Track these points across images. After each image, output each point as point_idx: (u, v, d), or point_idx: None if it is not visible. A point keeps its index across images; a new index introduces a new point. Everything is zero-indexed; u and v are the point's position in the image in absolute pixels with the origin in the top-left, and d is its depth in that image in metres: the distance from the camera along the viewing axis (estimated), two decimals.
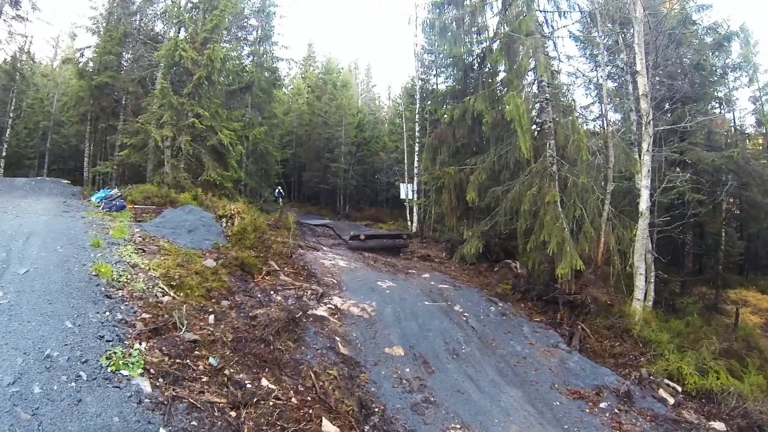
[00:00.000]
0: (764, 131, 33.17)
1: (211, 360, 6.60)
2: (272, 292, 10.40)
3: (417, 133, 26.53)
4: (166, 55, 18.83)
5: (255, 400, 6.03)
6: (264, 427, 5.57)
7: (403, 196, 27.62)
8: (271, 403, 6.18)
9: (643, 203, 13.22)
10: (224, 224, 13.59)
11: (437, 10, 18.55)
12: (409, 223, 26.85)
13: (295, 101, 45.06)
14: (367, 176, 41.60)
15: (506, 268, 16.11)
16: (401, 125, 32.26)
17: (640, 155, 14.30)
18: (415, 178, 26.59)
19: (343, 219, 33.27)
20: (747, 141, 30.88)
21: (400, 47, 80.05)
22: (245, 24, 29.48)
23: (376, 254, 17.15)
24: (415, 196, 26.51)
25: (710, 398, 10.16)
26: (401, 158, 31.06)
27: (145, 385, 5.44)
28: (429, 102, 26.52)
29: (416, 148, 26.44)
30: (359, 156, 40.92)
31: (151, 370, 5.78)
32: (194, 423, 5.12)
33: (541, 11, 16.08)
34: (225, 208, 14.54)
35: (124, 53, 24.36)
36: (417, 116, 27.06)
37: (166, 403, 5.25)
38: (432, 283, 14.51)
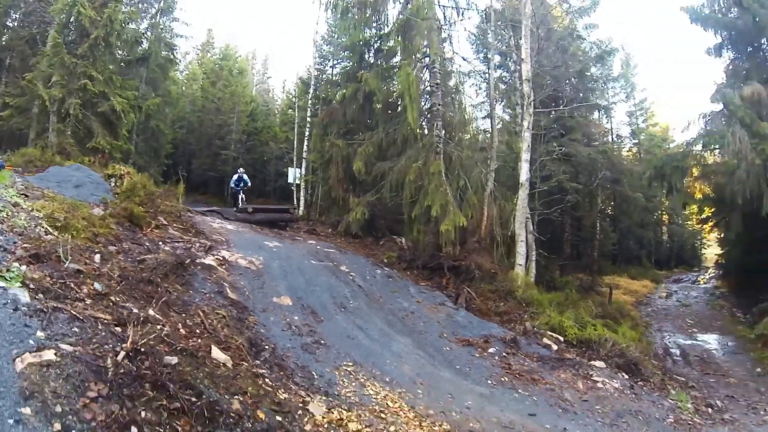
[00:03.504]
0: (637, 141, 36.87)
1: (97, 285, 6.45)
2: (161, 243, 10.25)
3: (309, 119, 26.79)
4: (62, 11, 17.84)
5: (142, 320, 6.01)
6: (152, 341, 5.54)
7: (291, 179, 27.60)
8: (158, 327, 6.16)
9: (523, 175, 14.42)
10: (113, 183, 13.20)
11: None
12: (295, 208, 26.95)
13: (189, 87, 44.05)
14: (257, 166, 41.22)
15: (391, 242, 16.69)
16: (293, 116, 32.42)
17: (521, 133, 15.49)
18: (304, 162, 26.91)
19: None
20: (622, 144, 34.41)
21: (299, 42, 78.98)
22: None
23: (263, 227, 17.15)
24: (303, 181, 26.85)
25: (590, 346, 11.40)
26: (291, 149, 31.18)
27: (24, 296, 5.21)
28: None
29: (306, 133, 26.70)
30: (249, 145, 40.87)
31: (31, 285, 5.53)
32: (76, 330, 4.98)
33: (440, 6, 16.97)
34: (114, 167, 14.13)
35: (12, 11, 22.59)
36: (310, 103, 27.30)
37: (45, 311, 5.06)
38: (318, 247, 14.84)
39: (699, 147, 18.77)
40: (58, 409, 3.65)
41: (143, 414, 4.02)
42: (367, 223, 16.76)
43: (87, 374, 4.19)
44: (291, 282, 10.78)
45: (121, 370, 4.39)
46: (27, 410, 3.50)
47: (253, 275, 10.43)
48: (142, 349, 4.95)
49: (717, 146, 17.82)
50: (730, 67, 20.41)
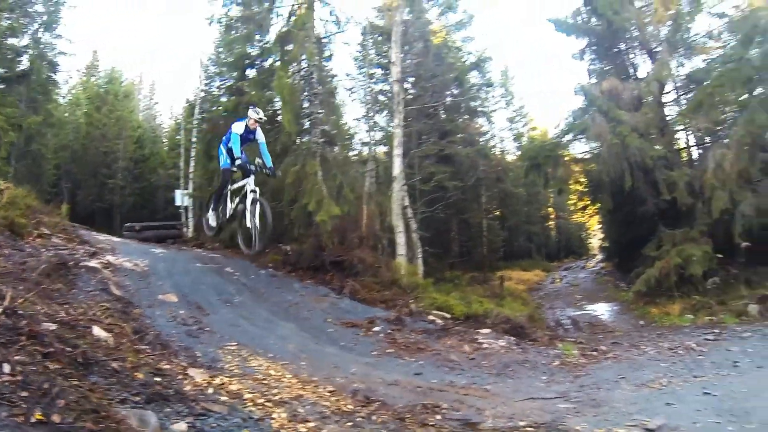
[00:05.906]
0: (519, 144, 39.81)
1: None
2: (43, 250, 10.22)
3: (194, 139, 26.37)
4: None
5: (21, 299, 6.23)
6: (30, 311, 5.67)
7: (178, 202, 26.42)
8: (38, 307, 6.44)
9: (396, 168, 15.64)
10: None
11: (225, 8, 19.52)
12: (185, 229, 26.29)
13: (73, 113, 41.88)
14: (145, 195, 40.03)
15: (276, 249, 17.20)
16: (181, 140, 31.68)
17: (394, 129, 16.74)
18: (191, 182, 26.37)
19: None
20: (505, 148, 37.18)
21: (186, 69, 77.86)
22: (29, 10, 26.65)
23: (151, 243, 17.28)
24: (191, 201, 25.98)
25: (477, 319, 12.45)
26: (180, 175, 30.33)
27: None
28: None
29: (192, 154, 26.28)
30: (137, 172, 39.53)
31: None
32: None
33: (321, 20, 18.02)
34: None
35: None
36: (195, 123, 27.00)
37: None
38: (203, 253, 15.57)
39: (569, 136, 20.93)
40: None
41: (16, 357, 4.29)
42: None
43: None
44: (177, 281, 11.13)
45: None
46: None
47: (138, 276, 10.69)
48: (20, 312, 5.20)
49: (582, 132, 19.93)
50: (591, 67, 22.90)
